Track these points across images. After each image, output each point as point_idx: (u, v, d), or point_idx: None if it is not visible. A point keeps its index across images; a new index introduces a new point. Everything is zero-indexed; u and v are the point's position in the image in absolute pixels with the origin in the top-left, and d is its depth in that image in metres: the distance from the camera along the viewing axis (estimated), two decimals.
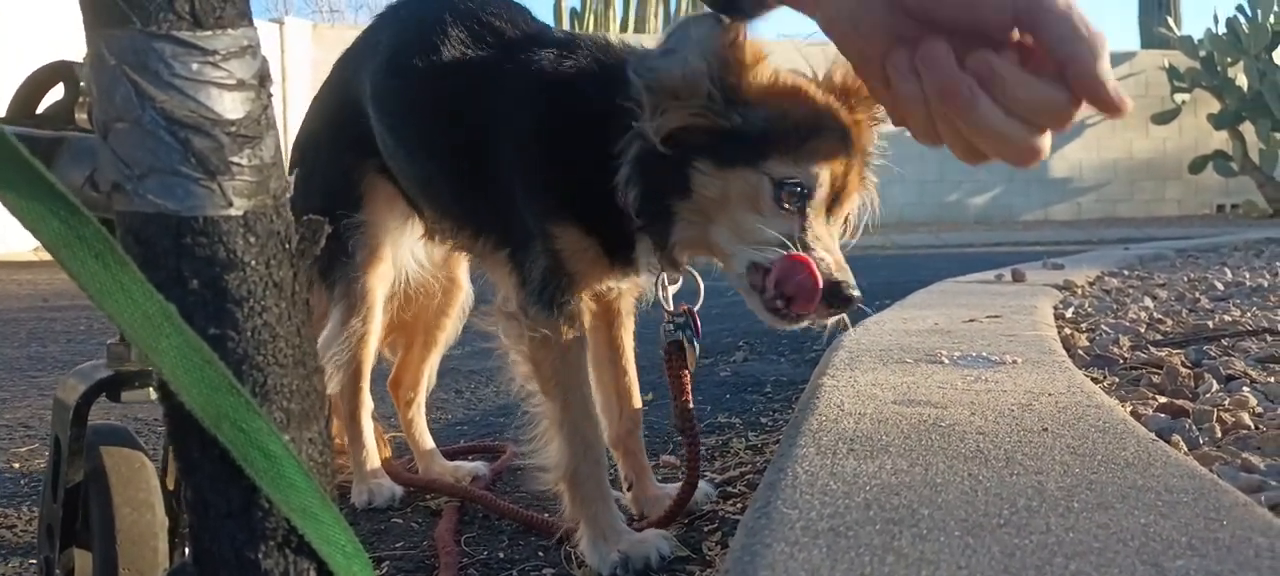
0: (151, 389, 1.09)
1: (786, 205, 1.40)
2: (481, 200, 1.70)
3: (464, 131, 1.69)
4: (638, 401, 1.85)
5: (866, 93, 1.43)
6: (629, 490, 1.82)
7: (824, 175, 1.42)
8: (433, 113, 1.73)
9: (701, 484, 1.78)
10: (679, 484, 1.71)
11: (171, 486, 1.11)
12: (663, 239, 1.51)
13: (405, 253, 1.96)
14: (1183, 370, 2.29)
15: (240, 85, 0.84)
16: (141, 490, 1.03)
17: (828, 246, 1.42)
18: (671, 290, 1.65)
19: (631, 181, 1.47)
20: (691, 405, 1.66)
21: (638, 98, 1.43)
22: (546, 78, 1.59)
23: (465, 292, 2.13)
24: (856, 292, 1.40)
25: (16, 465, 2.24)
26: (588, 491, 1.60)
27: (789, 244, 1.38)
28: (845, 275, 1.39)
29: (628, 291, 1.77)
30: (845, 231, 1.53)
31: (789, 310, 1.38)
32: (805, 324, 1.42)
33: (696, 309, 1.67)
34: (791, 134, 1.40)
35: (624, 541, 1.56)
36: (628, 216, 1.51)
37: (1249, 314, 3.44)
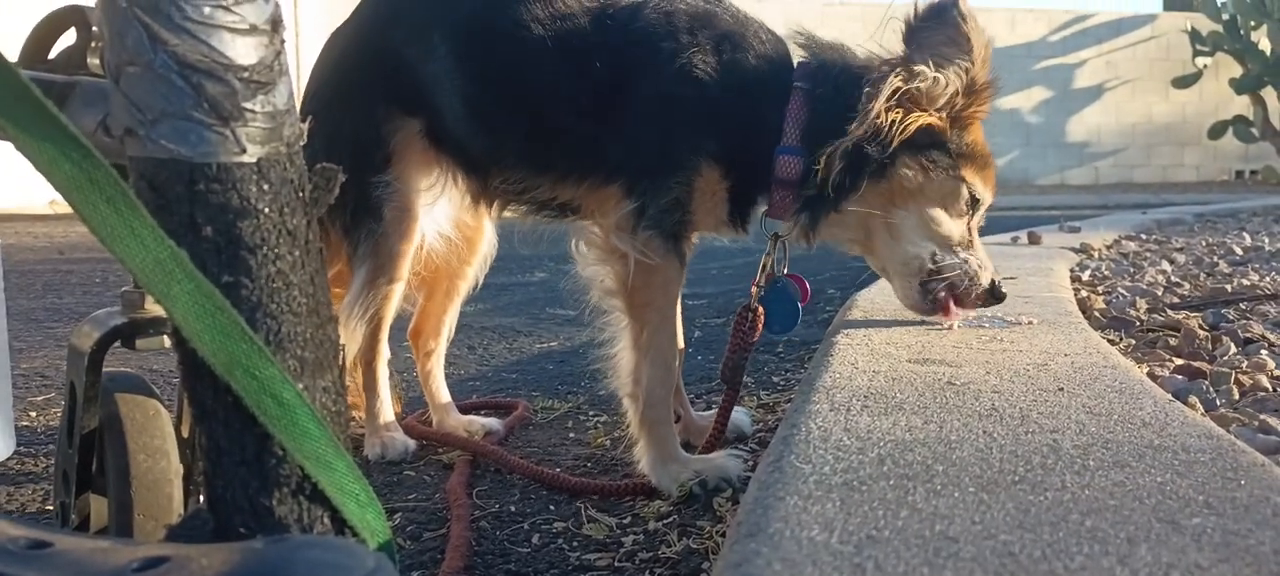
0: (166, 337, 1.09)
1: (965, 210, 1.73)
2: (608, 136, 1.72)
3: (600, 71, 1.72)
4: (681, 342, 1.97)
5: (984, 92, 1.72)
6: (676, 421, 1.92)
7: (989, 197, 1.77)
8: (558, 59, 1.74)
9: (742, 413, 2.03)
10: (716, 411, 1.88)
11: (186, 434, 1.11)
12: (832, 207, 1.69)
13: (429, 219, 1.94)
14: (1200, 332, 2.27)
15: (253, 30, 0.83)
16: (156, 437, 1.03)
17: (982, 254, 1.77)
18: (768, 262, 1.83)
19: (844, 155, 1.63)
20: (747, 358, 1.83)
21: (873, 89, 1.63)
22: (725, 34, 1.71)
23: (488, 242, 2.11)
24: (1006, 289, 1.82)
25: (33, 414, 2.26)
26: (658, 413, 1.70)
27: (960, 247, 1.73)
28: (999, 278, 1.79)
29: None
30: None
31: (935, 312, 1.78)
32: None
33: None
34: (978, 158, 1.74)
35: (696, 461, 1.69)
36: (760, 180, 1.71)
37: (1268, 278, 3.41)
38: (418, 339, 2.16)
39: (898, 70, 1.63)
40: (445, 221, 1.99)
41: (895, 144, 1.64)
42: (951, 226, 1.73)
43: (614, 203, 1.71)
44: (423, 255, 1.97)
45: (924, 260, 1.72)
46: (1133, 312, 2.66)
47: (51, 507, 1.45)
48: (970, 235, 1.76)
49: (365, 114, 1.84)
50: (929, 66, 1.64)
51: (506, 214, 1.96)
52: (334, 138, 1.81)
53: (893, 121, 1.63)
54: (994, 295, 1.77)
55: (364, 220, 1.85)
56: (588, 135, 1.74)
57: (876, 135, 1.63)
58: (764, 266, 1.82)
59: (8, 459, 1.89)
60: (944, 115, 1.68)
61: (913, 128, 1.64)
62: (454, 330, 2.19)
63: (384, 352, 1.98)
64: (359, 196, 1.82)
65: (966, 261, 1.73)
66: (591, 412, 2.26)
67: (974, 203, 1.74)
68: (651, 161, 1.69)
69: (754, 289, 1.82)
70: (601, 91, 1.72)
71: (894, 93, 1.63)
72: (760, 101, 1.70)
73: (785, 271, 1.84)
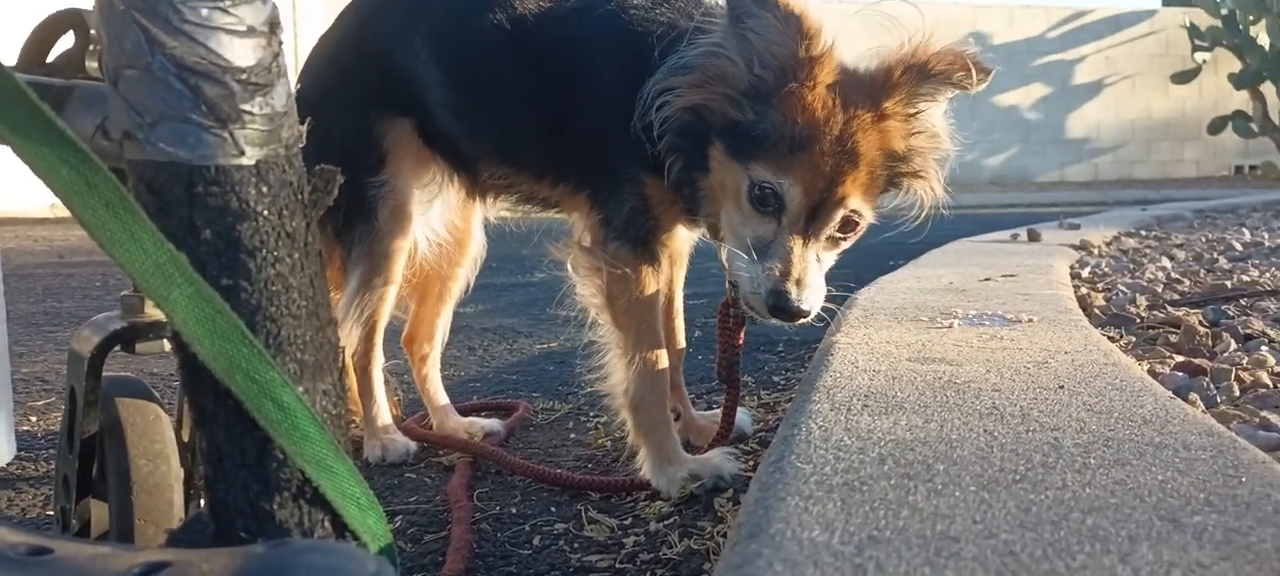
0: (166, 341, 1.09)
1: (763, 209, 1.45)
2: (566, 147, 1.72)
3: (554, 83, 1.71)
4: (682, 341, 1.97)
5: (912, 86, 1.46)
6: (676, 420, 1.91)
7: (798, 188, 1.43)
8: (519, 67, 1.74)
9: (742, 413, 1.96)
10: (720, 411, 1.85)
11: (186, 438, 1.11)
12: (695, 211, 1.60)
13: (423, 222, 1.94)
14: (1201, 329, 2.27)
15: (250, 32, 0.83)
16: (157, 441, 1.03)
17: (787, 257, 1.44)
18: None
19: (671, 150, 1.53)
20: (738, 354, 1.78)
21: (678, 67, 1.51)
22: (637, 35, 1.62)
23: (477, 244, 2.11)
24: (802, 305, 1.44)
25: (33, 419, 2.26)
26: (652, 417, 1.69)
27: (760, 250, 1.46)
28: (790, 287, 1.43)
29: (688, 236, 1.83)
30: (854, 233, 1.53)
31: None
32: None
33: None
34: (784, 141, 1.42)
35: (692, 461, 1.68)
36: None
37: (1268, 274, 3.41)
38: (412, 345, 2.15)
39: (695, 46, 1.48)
40: (439, 224, 1.99)
41: (667, 130, 1.48)
42: (743, 225, 1.48)
43: (584, 212, 1.72)
44: (415, 261, 1.96)
45: (727, 258, 1.54)
46: (1133, 310, 2.66)
47: (52, 513, 1.45)
48: (778, 236, 1.45)
49: (357, 116, 1.84)
50: (724, 42, 1.45)
51: (502, 209, 1.96)
52: (325, 141, 1.80)
53: (660, 105, 1.48)
54: (779, 310, 1.44)
55: (357, 222, 1.84)
56: (552, 146, 1.75)
57: (659, 124, 1.49)
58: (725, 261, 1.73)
59: (8, 464, 1.89)
60: (728, 93, 1.44)
61: (674, 109, 1.48)
62: (448, 333, 2.19)
63: (379, 356, 1.98)
64: (352, 199, 1.81)
65: (753, 269, 1.46)
66: (592, 413, 2.26)
67: (762, 196, 1.43)
68: (603, 177, 1.68)
69: (728, 286, 1.74)
70: (555, 103, 1.72)
71: (683, 69, 1.47)
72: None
73: None
